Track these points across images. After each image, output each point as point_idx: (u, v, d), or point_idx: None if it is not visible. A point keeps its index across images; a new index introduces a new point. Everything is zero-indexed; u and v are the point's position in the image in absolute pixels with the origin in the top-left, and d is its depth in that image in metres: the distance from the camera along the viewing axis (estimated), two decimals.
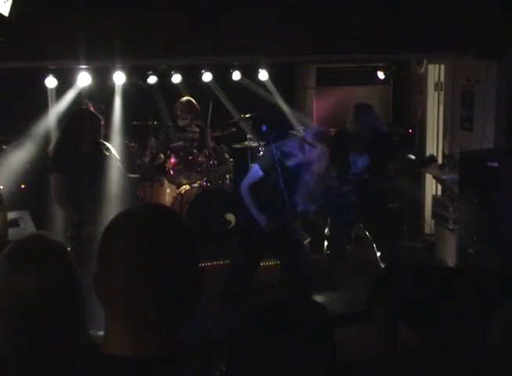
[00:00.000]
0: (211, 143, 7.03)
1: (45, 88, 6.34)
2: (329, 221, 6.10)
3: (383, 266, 5.71)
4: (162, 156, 6.93)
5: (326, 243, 6.13)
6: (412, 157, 7.02)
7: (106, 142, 5.37)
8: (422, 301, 2.78)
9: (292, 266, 5.09)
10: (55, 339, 1.86)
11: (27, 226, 5.00)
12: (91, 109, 6.38)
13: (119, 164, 5.31)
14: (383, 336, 2.89)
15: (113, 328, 1.29)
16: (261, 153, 5.60)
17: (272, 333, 2.64)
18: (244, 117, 7.07)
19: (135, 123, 7.05)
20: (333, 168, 5.90)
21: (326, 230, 6.12)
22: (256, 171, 4.94)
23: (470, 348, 2.66)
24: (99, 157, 5.09)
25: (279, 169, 4.72)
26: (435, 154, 7.05)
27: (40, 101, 6.52)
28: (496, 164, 5.76)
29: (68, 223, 5.19)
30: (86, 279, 1.72)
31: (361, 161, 5.80)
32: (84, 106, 5.45)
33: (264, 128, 5.01)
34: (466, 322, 2.72)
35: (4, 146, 6.50)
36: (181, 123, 7.10)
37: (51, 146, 5.25)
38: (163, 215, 1.35)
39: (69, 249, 4.89)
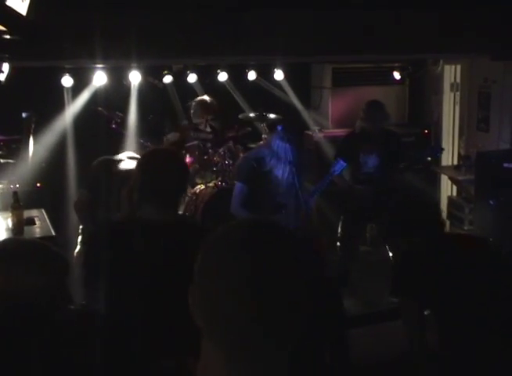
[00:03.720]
0: (229, 142, 7.01)
1: (61, 87, 6.38)
2: (341, 221, 6.09)
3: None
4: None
5: (338, 243, 6.12)
6: (428, 158, 6.98)
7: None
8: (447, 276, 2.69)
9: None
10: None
11: (43, 224, 5.02)
12: (105, 113, 6.42)
13: None
14: (416, 333, 2.73)
15: (212, 357, 1.13)
16: (236, 168, 5.43)
17: None
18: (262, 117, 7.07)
19: (150, 117, 7.07)
20: (344, 169, 5.91)
21: (339, 230, 6.11)
22: (240, 187, 4.83)
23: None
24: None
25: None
26: (451, 155, 7.02)
27: (56, 100, 6.56)
28: None
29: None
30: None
31: (371, 161, 5.80)
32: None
33: (279, 128, 5.00)
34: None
35: (20, 145, 6.53)
36: (196, 120, 7.10)
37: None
38: (269, 230, 1.19)
39: (81, 238, 4.96)
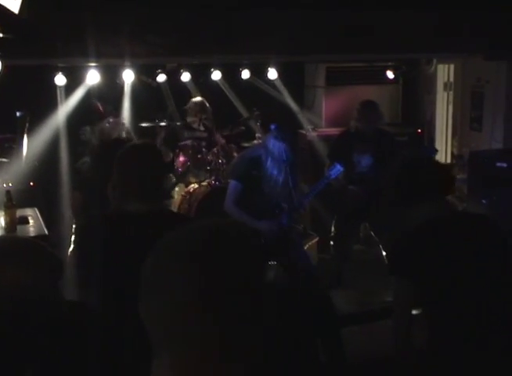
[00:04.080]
0: (221, 140, 7.01)
1: (54, 85, 6.36)
2: (334, 220, 6.09)
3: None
4: (171, 154, 6.94)
5: (332, 243, 6.12)
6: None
7: None
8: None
9: (292, 266, 5.00)
10: None
11: (36, 223, 5.01)
12: (100, 108, 6.41)
13: None
14: (404, 323, 2.65)
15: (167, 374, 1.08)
16: (232, 167, 5.40)
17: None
18: (252, 116, 7.08)
19: (144, 125, 7.06)
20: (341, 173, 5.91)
21: (332, 230, 6.12)
22: (234, 185, 4.79)
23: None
24: None
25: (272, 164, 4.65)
26: (444, 154, 7.03)
27: (49, 99, 6.54)
28: (505, 165, 5.75)
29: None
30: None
31: (365, 161, 5.81)
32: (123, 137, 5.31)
33: (273, 127, 5.00)
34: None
35: (13, 145, 6.52)
36: (190, 119, 7.10)
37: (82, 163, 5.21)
38: (223, 237, 1.11)
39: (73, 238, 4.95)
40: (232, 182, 4.84)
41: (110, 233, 2.70)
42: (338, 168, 4.91)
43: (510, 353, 2.56)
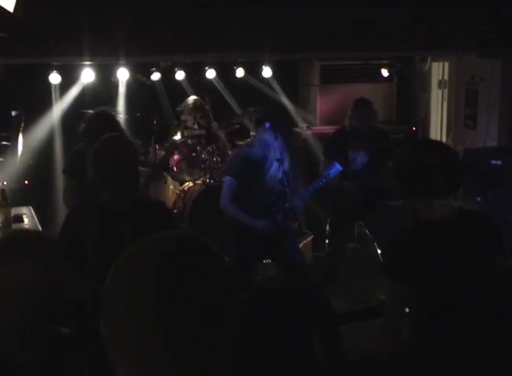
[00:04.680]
0: (222, 138, 7.01)
1: (48, 84, 6.35)
2: (329, 219, 6.10)
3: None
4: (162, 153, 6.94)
5: (327, 241, 6.13)
6: None
7: None
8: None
9: (287, 264, 4.99)
10: None
11: (31, 222, 5.00)
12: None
13: None
14: (395, 324, 2.60)
15: None
16: (227, 163, 5.39)
17: (270, 322, 2.63)
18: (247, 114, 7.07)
19: (138, 114, 7.06)
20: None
21: (327, 228, 6.12)
22: (229, 181, 4.76)
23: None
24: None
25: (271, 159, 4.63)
26: None
27: (44, 97, 6.53)
28: (500, 163, 5.77)
29: None
30: None
31: (360, 158, 5.81)
32: (102, 109, 5.35)
33: (267, 125, 4.99)
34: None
35: (8, 143, 6.51)
36: (184, 117, 7.10)
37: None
38: (186, 251, 1.08)
39: None
40: (227, 179, 4.81)
41: (93, 223, 2.82)
42: (337, 168, 4.87)
43: (497, 357, 2.55)
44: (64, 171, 5.10)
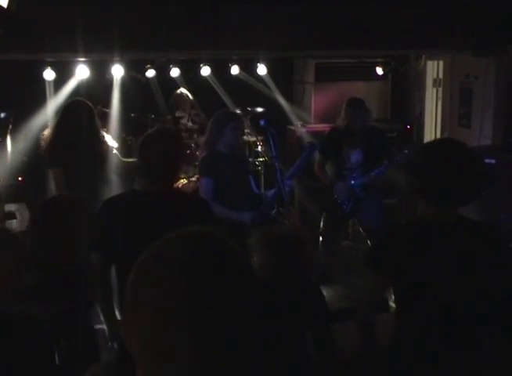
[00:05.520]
0: None
1: (43, 80, 6.33)
2: (323, 216, 6.11)
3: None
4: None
5: (320, 238, 6.13)
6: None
7: (102, 131, 5.32)
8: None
9: None
10: None
11: (24, 219, 4.99)
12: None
13: (116, 152, 5.29)
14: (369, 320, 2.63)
15: None
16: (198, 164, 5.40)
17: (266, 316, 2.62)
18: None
19: (132, 115, 7.04)
20: (328, 164, 5.92)
21: (321, 225, 6.13)
22: (205, 183, 4.73)
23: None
24: (97, 147, 5.05)
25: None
26: None
27: (38, 93, 6.51)
28: (494, 161, 5.77)
29: None
30: None
31: (355, 157, 5.81)
32: (77, 98, 5.38)
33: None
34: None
35: (1, 139, 6.49)
36: (178, 114, 7.09)
37: (44, 141, 5.16)
38: (208, 248, 1.07)
39: None
40: (202, 180, 4.80)
41: (128, 211, 3.05)
42: (313, 147, 4.97)
43: (476, 359, 2.54)
44: (49, 164, 5.03)
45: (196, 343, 1.00)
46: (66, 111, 5.11)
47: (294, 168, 4.93)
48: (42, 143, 5.11)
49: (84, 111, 5.01)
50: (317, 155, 5.82)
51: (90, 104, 5.17)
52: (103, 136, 5.21)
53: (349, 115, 5.70)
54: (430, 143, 3.23)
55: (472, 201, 2.54)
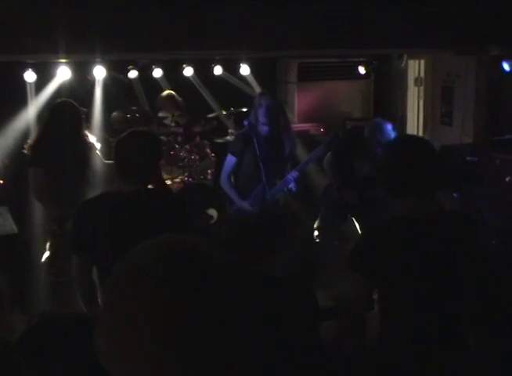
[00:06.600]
0: (196, 138, 7.01)
1: (24, 82, 6.27)
2: (321, 213, 6.09)
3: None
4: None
5: (315, 233, 6.12)
6: None
7: (86, 132, 5.29)
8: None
9: None
10: None
11: (7, 222, 4.95)
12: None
13: (98, 153, 5.26)
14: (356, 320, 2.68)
15: None
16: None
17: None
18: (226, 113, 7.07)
19: (114, 113, 7.01)
20: (335, 170, 5.86)
21: (317, 222, 6.12)
22: (229, 159, 5.00)
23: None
24: (80, 148, 5.03)
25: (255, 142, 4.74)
26: None
27: (19, 95, 6.45)
28: (475, 159, 5.81)
29: (49, 217, 5.14)
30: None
31: (365, 170, 5.79)
32: (64, 99, 5.37)
33: (246, 122, 5.00)
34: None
35: None
36: (162, 114, 7.07)
37: (30, 140, 5.16)
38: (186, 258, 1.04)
39: (49, 244, 4.88)
40: (227, 156, 5.03)
41: (107, 213, 3.08)
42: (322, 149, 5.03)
43: (461, 355, 2.55)
44: (30, 164, 5.00)
45: (172, 355, 0.97)
46: (53, 112, 5.10)
47: (303, 165, 5.04)
48: (27, 142, 5.11)
49: (71, 113, 5.00)
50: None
51: (77, 106, 5.16)
52: (89, 139, 5.18)
53: (375, 139, 5.62)
54: (393, 142, 3.35)
55: (436, 191, 2.71)
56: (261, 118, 4.87)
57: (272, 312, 2.56)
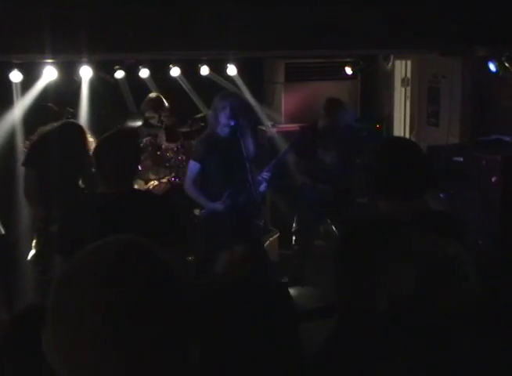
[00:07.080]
0: (180, 139, 6.99)
1: (9, 82, 6.23)
2: (296, 216, 6.12)
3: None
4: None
5: (293, 238, 6.15)
6: None
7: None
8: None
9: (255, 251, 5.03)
10: None
11: None
12: (55, 109, 6.32)
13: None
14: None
15: None
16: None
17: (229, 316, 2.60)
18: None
19: (101, 112, 7.00)
20: (301, 164, 5.93)
21: (294, 225, 6.14)
22: (192, 165, 4.99)
23: None
24: (70, 151, 5.02)
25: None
26: None
27: (4, 95, 6.41)
28: (462, 159, 5.85)
29: (35, 217, 5.12)
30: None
31: (329, 158, 5.83)
32: (73, 121, 5.44)
33: (232, 123, 5.00)
34: None
35: None
36: (148, 114, 7.05)
37: (30, 140, 5.18)
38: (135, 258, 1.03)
39: (35, 241, 4.87)
40: (189, 162, 5.04)
41: (92, 216, 3.08)
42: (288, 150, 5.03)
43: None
44: (24, 164, 5.05)
45: (120, 356, 0.96)
46: (61, 131, 5.11)
47: (270, 168, 5.02)
48: (27, 142, 5.15)
49: (78, 136, 5.03)
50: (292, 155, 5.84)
51: (85, 130, 5.24)
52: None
53: (328, 115, 5.70)
54: (380, 144, 3.33)
55: (423, 193, 2.66)
56: (223, 120, 4.89)
57: (232, 312, 2.57)
